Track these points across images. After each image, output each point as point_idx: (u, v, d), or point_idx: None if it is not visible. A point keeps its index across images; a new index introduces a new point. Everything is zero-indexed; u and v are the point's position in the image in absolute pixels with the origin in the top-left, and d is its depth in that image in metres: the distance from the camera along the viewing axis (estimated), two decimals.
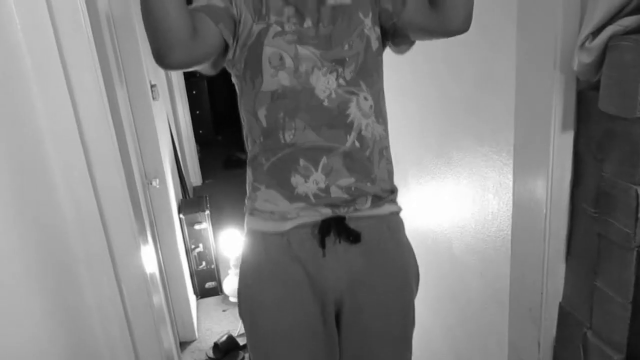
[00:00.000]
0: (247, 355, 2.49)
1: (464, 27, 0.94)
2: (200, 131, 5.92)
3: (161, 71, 3.65)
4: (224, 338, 2.50)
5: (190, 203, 3.09)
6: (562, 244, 1.02)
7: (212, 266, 2.98)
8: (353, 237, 0.94)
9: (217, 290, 3.03)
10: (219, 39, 0.88)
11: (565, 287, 1.05)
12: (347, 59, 0.92)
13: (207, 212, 2.87)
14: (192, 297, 2.81)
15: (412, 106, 1.64)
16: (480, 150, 1.25)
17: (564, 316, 1.05)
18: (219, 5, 0.89)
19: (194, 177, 5.02)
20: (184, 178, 3.78)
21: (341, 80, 0.92)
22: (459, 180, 1.39)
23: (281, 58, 0.90)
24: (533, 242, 1.04)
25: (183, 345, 2.58)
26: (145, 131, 2.18)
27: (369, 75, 0.95)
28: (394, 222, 1.02)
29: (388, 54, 1.04)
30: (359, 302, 0.98)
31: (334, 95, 0.91)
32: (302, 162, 0.92)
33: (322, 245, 0.94)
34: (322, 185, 0.93)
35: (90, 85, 1.25)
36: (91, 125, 1.26)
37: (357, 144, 0.93)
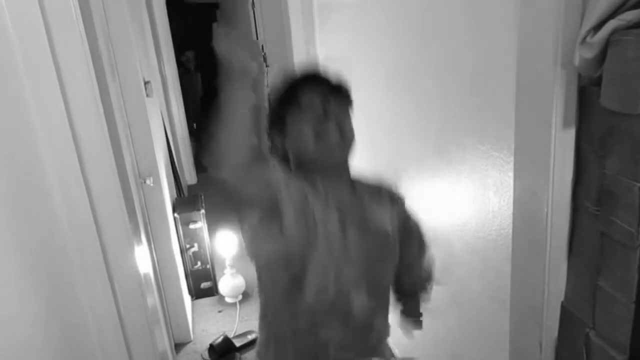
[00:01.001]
0: (243, 357, 2.47)
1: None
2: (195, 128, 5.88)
3: (155, 67, 3.62)
4: (220, 339, 2.48)
5: (185, 202, 3.07)
6: (564, 243, 1.01)
7: (208, 266, 2.96)
8: None
9: (212, 291, 3.01)
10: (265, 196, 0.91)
11: (567, 286, 1.03)
12: (381, 278, 1.03)
13: (202, 211, 2.85)
14: (187, 298, 2.79)
15: (412, 103, 1.63)
16: (481, 148, 1.24)
17: (566, 316, 1.04)
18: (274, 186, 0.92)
19: (189, 175, 4.99)
20: (178, 176, 3.76)
21: (372, 296, 1.00)
22: (459, 178, 1.38)
23: (326, 275, 0.95)
24: (534, 241, 1.03)
25: (178, 346, 2.56)
26: (139, 129, 2.16)
27: (390, 286, 1.07)
28: None
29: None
30: None
31: (366, 310, 0.99)
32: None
33: None
34: None
35: (83, 82, 1.24)
36: (84, 122, 1.24)
37: (375, 343, 1.06)
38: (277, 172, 0.94)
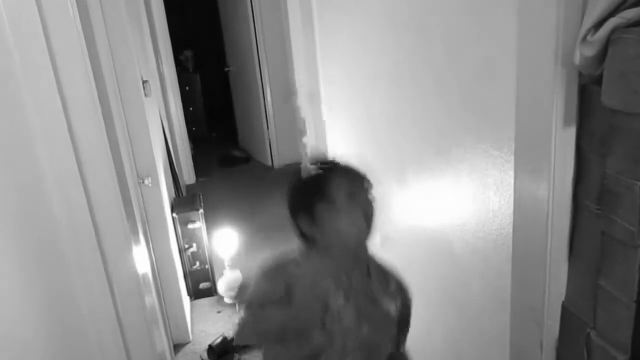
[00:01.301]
0: (241, 357, 2.47)
1: None
2: (194, 128, 5.87)
3: (153, 67, 3.61)
4: (219, 340, 2.48)
5: (184, 201, 3.07)
6: (565, 243, 1.00)
7: (206, 266, 2.95)
8: None
9: (211, 291, 3.00)
10: None
11: (568, 286, 1.03)
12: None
13: (201, 210, 2.84)
14: (185, 298, 2.78)
15: (412, 102, 1.62)
16: (481, 147, 1.24)
17: (567, 316, 1.03)
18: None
19: (187, 175, 4.98)
20: (177, 176, 3.75)
21: None
22: (459, 177, 1.37)
23: None
24: (535, 241, 1.03)
25: (176, 347, 2.56)
26: (137, 128, 2.16)
27: None
28: None
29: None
30: None
31: None
32: None
33: None
34: None
35: (81, 81, 1.23)
36: (81, 122, 1.24)
37: None
38: (299, 272, 1.04)
